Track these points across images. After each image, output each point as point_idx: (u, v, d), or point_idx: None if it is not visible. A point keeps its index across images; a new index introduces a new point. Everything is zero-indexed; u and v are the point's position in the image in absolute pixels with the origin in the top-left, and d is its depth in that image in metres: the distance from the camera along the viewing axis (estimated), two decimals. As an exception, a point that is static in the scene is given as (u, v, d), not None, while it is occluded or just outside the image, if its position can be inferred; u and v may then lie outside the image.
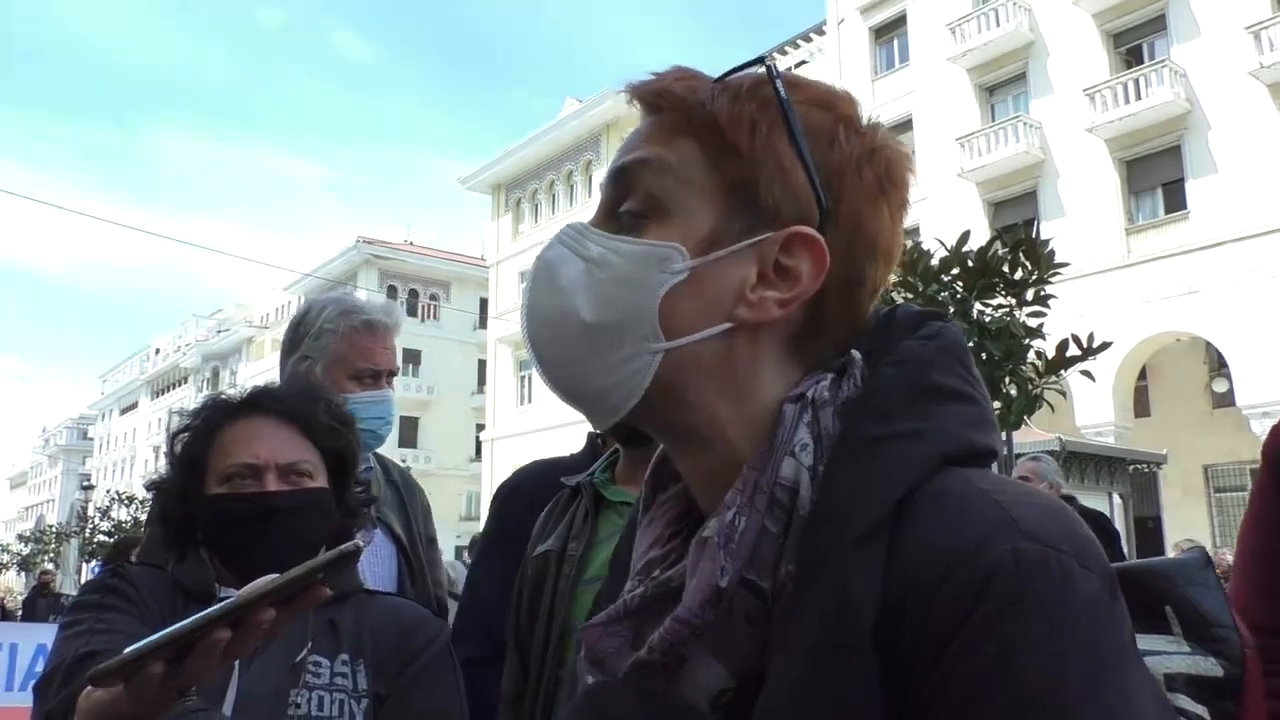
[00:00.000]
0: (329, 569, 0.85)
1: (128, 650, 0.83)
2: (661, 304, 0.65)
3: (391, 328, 2.13)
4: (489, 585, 1.88)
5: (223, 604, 0.85)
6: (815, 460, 0.63)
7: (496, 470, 29.41)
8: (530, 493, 1.89)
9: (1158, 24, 19.24)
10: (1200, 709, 0.64)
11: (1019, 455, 7.56)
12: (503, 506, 1.96)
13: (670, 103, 0.69)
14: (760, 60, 0.69)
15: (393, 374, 2.14)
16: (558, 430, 23.75)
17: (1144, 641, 0.64)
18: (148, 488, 1.44)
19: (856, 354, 0.68)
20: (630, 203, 0.68)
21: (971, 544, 0.55)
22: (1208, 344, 18.36)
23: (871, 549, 0.57)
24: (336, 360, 2.05)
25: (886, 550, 0.57)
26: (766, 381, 0.67)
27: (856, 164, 0.67)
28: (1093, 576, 0.55)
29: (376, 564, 2.06)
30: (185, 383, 58.61)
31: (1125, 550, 7.45)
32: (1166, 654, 0.66)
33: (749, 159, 0.66)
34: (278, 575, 0.85)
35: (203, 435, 1.38)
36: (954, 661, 0.53)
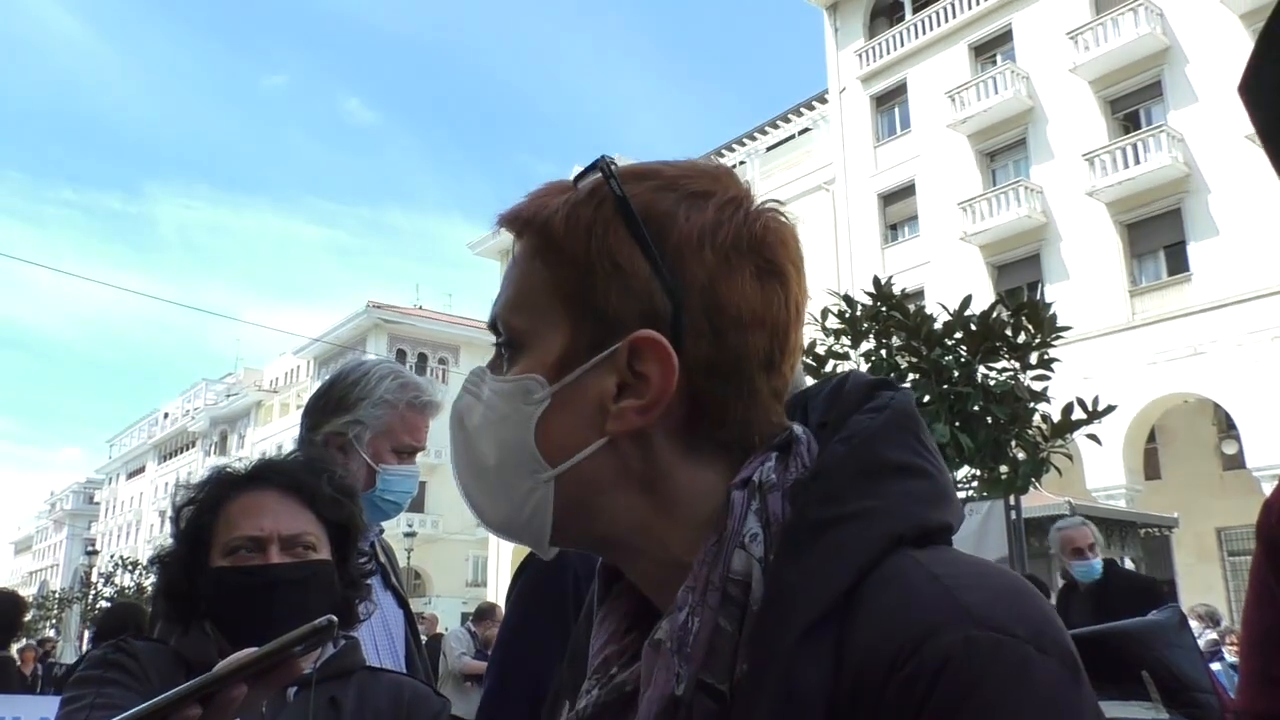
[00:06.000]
0: (305, 643, 0.83)
1: None
2: (536, 434, 0.64)
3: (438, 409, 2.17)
4: (529, 667, 1.53)
5: (192, 681, 0.83)
6: (766, 549, 0.60)
7: (502, 535, 28.99)
8: (572, 558, 1.56)
9: (1154, 90, 19.59)
10: None
11: (1028, 519, 7.50)
12: (542, 575, 1.60)
13: (522, 225, 0.67)
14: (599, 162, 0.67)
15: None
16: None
17: (1121, 709, 0.64)
18: (151, 562, 1.45)
19: (798, 429, 0.65)
20: (500, 340, 0.68)
21: (920, 634, 0.52)
22: (1215, 405, 18.29)
23: (820, 641, 0.54)
24: (387, 432, 2.05)
25: (837, 641, 0.54)
26: (682, 478, 0.64)
27: (697, 240, 0.62)
28: (1051, 661, 0.52)
29: (394, 626, 2.09)
30: (193, 447, 58.61)
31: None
32: None
33: (582, 266, 0.63)
34: (254, 649, 0.84)
35: (208, 509, 1.40)
36: None
